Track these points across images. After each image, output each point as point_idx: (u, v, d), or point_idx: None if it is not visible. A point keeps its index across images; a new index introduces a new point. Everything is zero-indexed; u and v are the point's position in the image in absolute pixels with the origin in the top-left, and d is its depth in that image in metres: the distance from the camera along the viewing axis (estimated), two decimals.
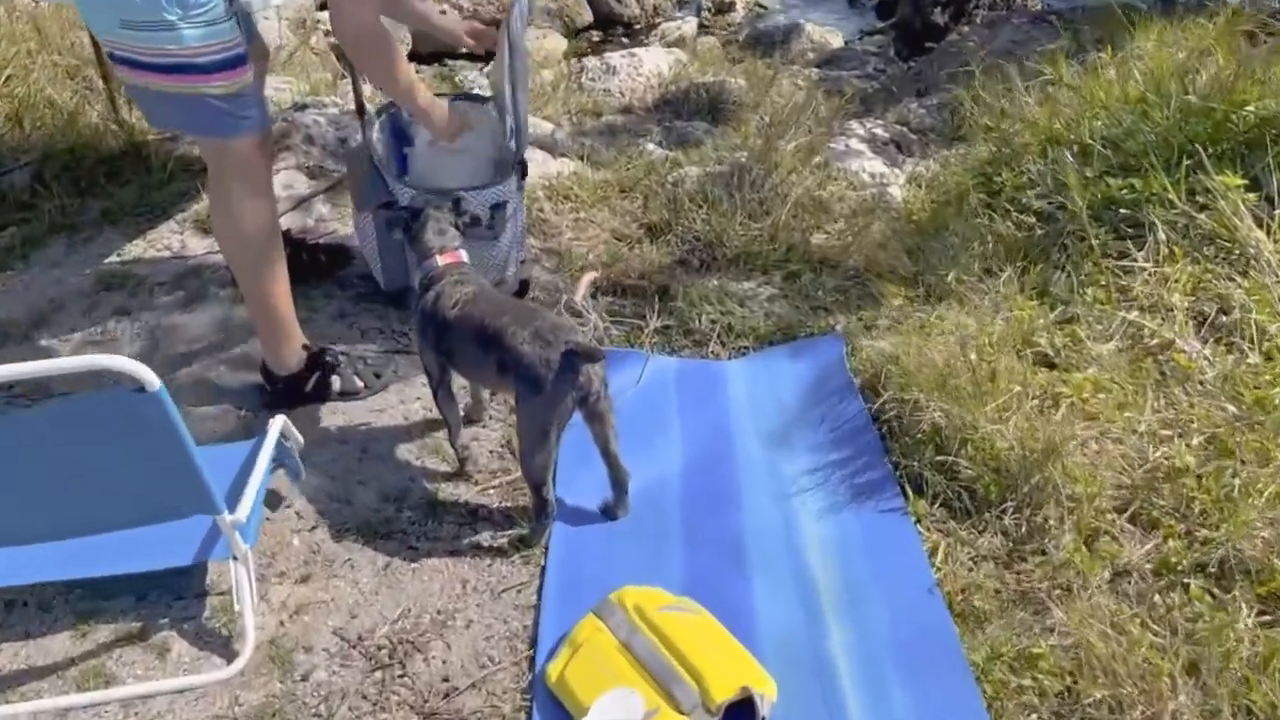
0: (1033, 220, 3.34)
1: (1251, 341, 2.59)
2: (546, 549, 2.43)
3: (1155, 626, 1.96)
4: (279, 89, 4.76)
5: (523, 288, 3.34)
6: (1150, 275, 2.87)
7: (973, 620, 2.06)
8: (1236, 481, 2.19)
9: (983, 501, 2.30)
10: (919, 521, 2.31)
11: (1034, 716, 1.89)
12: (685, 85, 5.02)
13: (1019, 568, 2.15)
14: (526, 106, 3.07)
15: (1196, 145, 3.12)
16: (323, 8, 5.92)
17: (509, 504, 2.59)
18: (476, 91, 4.56)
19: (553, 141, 4.32)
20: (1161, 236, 2.92)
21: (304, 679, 2.14)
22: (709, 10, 8.27)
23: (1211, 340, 2.64)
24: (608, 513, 2.51)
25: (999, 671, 1.92)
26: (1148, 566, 2.09)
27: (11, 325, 3.21)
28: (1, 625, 2.25)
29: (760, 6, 8.30)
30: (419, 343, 2.57)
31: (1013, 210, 3.40)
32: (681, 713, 1.88)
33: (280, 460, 2.42)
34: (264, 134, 2.58)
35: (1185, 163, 3.08)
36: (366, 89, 4.14)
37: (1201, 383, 2.51)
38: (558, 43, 7.35)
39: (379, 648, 2.21)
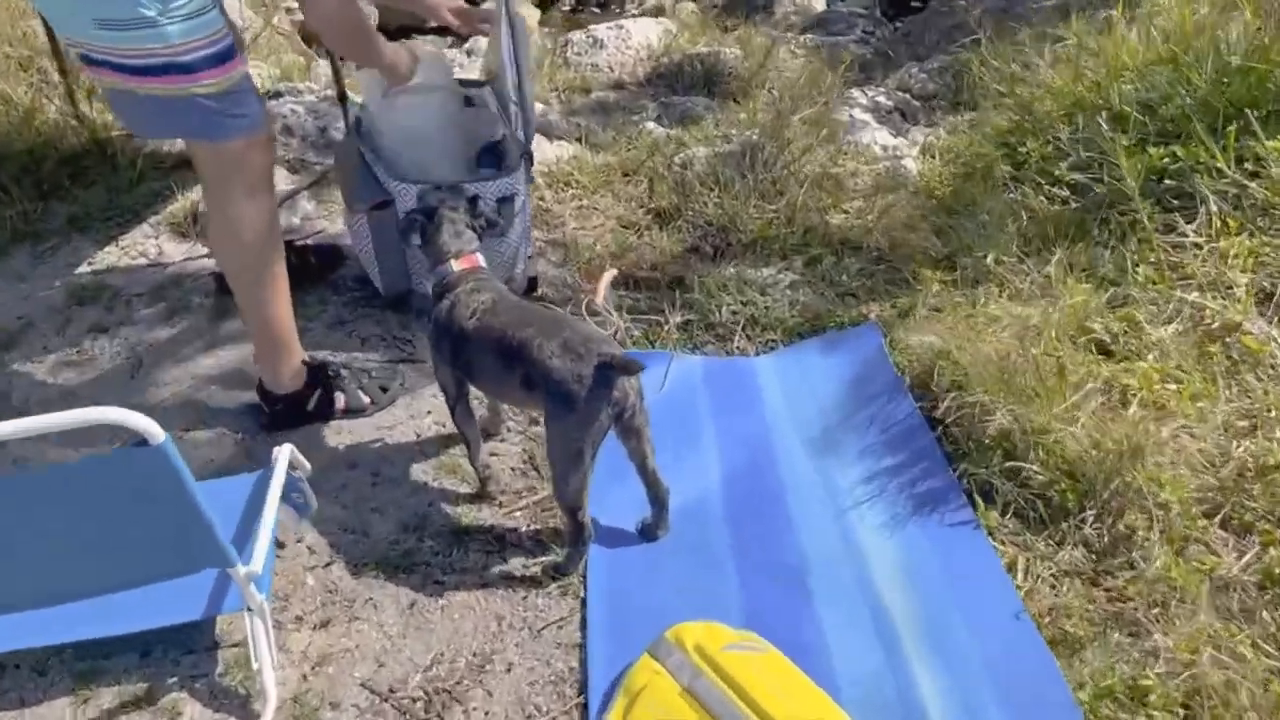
0: (1066, 193, 3.15)
1: None
2: (584, 577, 2.24)
3: (1267, 648, 1.80)
4: None
5: (531, 285, 3.13)
6: (1204, 250, 2.70)
7: (1064, 647, 1.89)
8: None
9: (1058, 510, 2.13)
10: (991, 534, 2.14)
11: None
12: (678, 57, 4.79)
13: (1107, 584, 1.99)
14: (533, 92, 2.85)
15: (1239, 108, 2.94)
16: None
17: (537, 526, 2.40)
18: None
19: (547, 123, 4.08)
20: (1213, 208, 2.74)
21: None
22: None
23: (1278, 320, 2.48)
24: (646, 533, 2.33)
25: (1107, 709, 1.75)
26: (1249, 579, 1.93)
27: None
28: None
29: None
30: (433, 357, 2.36)
31: (1044, 183, 3.21)
32: None
33: (289, 494, 2.21)
34: (262, 132, 2.35)
35: (1229, 128, 2.91)
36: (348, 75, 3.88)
37: (1274, 367, 2.35)
38: (529, 13, 7.08)
39: (413, 700, 2.01)
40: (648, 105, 4.42)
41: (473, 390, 2.39)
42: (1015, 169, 3.39)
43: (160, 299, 3.15)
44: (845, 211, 3.52)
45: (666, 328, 2.99)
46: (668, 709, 1.84)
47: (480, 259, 2.34)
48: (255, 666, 1.98)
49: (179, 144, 3.79)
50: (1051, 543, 2.09)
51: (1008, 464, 2.20)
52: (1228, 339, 2.44)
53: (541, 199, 3.59)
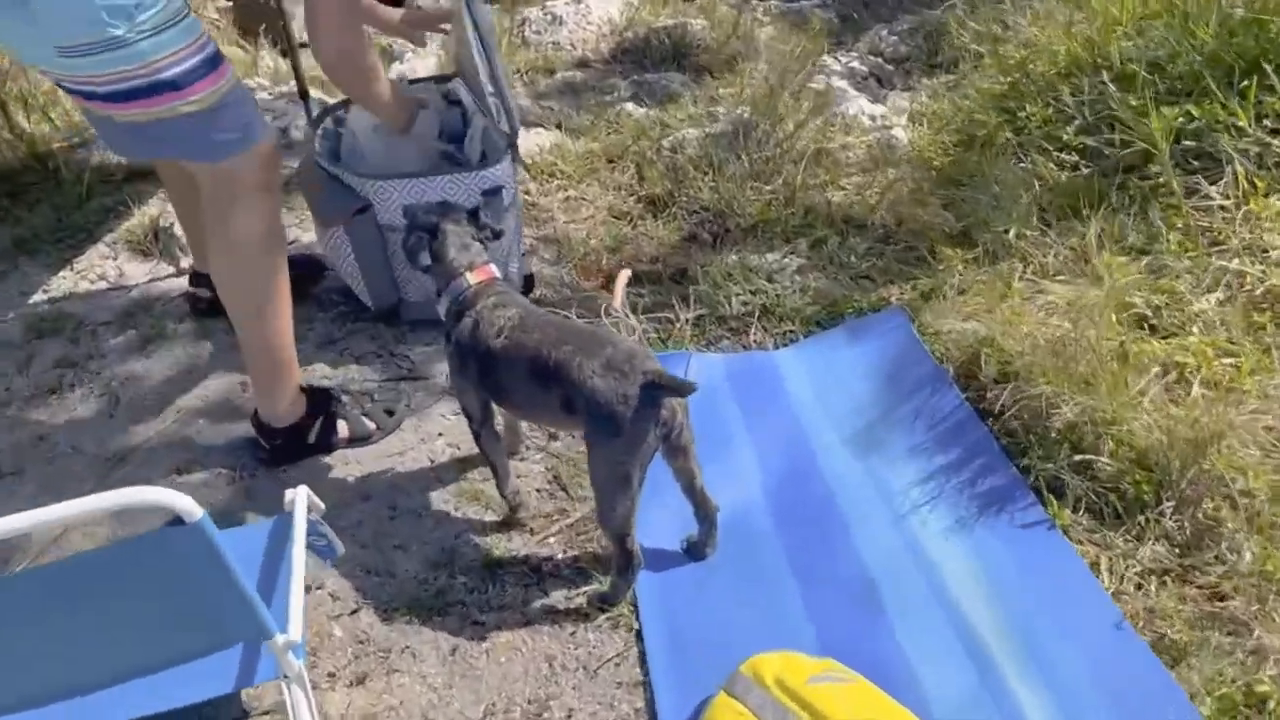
0: (1075, 159, 3.05)
1: None
2: (634, 606, 2.10)
3: None
4: None
5: (528, 284, 2.95)
6: (1234, 214, 2.62)
7: (1166, 655, 1.79)
8: None
9: (1133, 503, 2.03)
10: (1065, 533, 2.03)
11: None
12: (642, 31, 4.61)
13: (1198, 581, 1.89)
14: (505, 77, 2.67)
15: (1252, 63, 2.85)
16: None
17: (574, 552, 2.24)
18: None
19: (518, 109, 3.88)
20: (1239, 169, 2.65)
21: None
22: None
23: None
24: (694, 552, 2.19)
25: None
26: None
27: None
28: None
29: None
30: (456, 381, 2.19)
31: (1052, 149, 3.10)
32: None
33: (310, 540, 2.03)
34: (263, 142, 2.14)
35: (1243, 83, 2.82)
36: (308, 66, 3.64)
37: None
38: None
39: None
40: (619, 84, 4.23)
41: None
42: (1016, 134, 3.28)
43: (129, 326, 2.91)
44: (843, 188, 3.39)
45: (678, 325, 2.84)
46: None
47: (495, 270, 2.16)
48: None
49: None
50: (1130, 538, 2.00)
51: (1077, 457, 2.08)
52: (1276, 307, 2.35)
53: (527, 192, 3.40)
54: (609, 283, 3.04)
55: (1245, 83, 2.82)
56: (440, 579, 2.18)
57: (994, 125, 3.28)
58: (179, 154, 2.13)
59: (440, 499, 2.38)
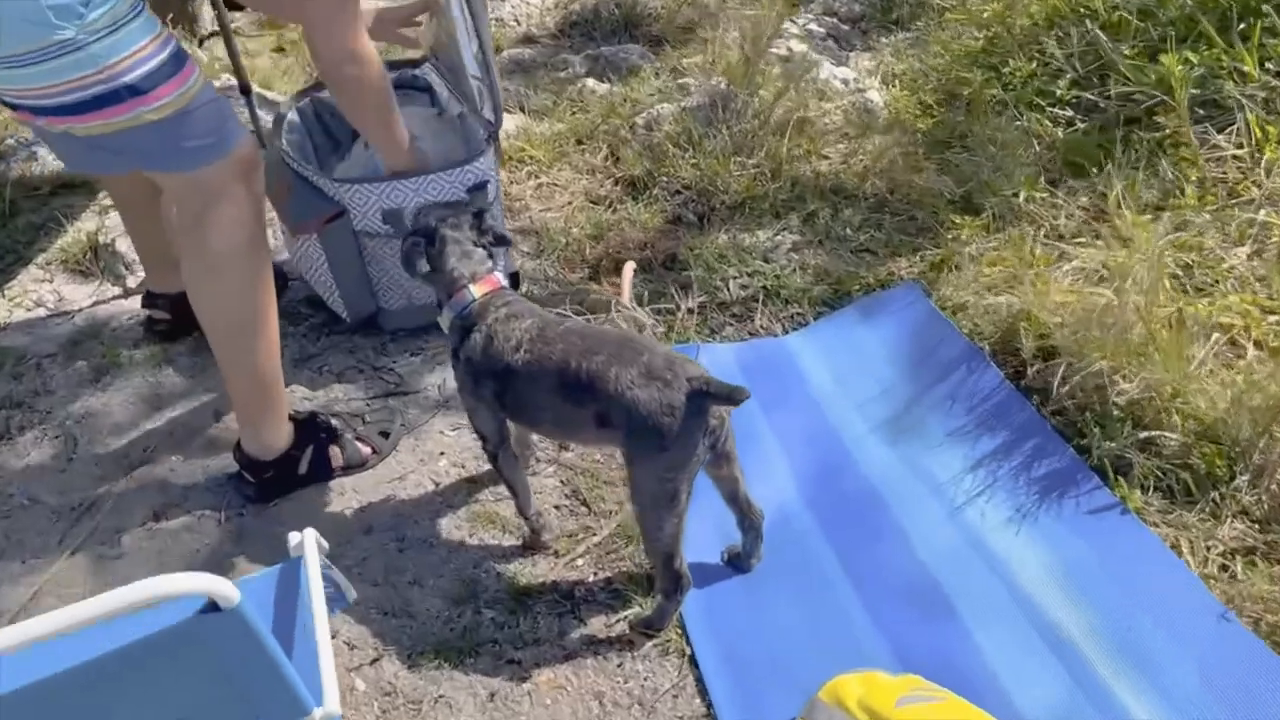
0: (1070, 114, 2.94)
1: None
2: (681, 628, 1.94)
3: None
4: None
5: (513, 281, 2.75)
6: (1248, 163, 2.53)
7: (1269, 641, 1.69)
8: None
9: (1204, 479, 1.92)
10: (1137, 516, 1.92)
11: None
12: (591, 2, 4.39)
13: None
14: (494, 62, 2.46)
15: (1246, 6, 2.77)
16: None
17: (607, 573, 2.08)
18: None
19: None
20: (1249, 116, 2.57)
21: None
22: None
23: None
24: (739, 563, 2.04)
25: None
26: None
27: None
28: None
29: None
30: (468, 401, 1.99)
31: (1044, 104, 2.99)
32: None
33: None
34: (240, 147, 1.92)
35: (1242, 27, 2.73)
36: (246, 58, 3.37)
37: None
38: None
39: None
40: (572, 59, 4.02)
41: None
42: (1003, 91, 3.17)
43: (78, 357, 2.64)
44: (826, 157, 3.24)
45: (679, 314, 2.67)
46: None
47: (500, 278, 1.97)
48: None
49: (55, 162, 3.23)
50: (1206, 516, 1.89)
51: (1142, 435, 1.97)
52: None
53: None
54: (596, 274, 2.86)
55: (1243, 26, 2.73)
56: (465, 615, 2.00)
57: (979, 83, 3.15)
58: (147, 166, 1.90)
59: (452, 525, 2.18)
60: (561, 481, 2.27)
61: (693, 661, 1.89)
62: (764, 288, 2.76)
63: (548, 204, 3.13)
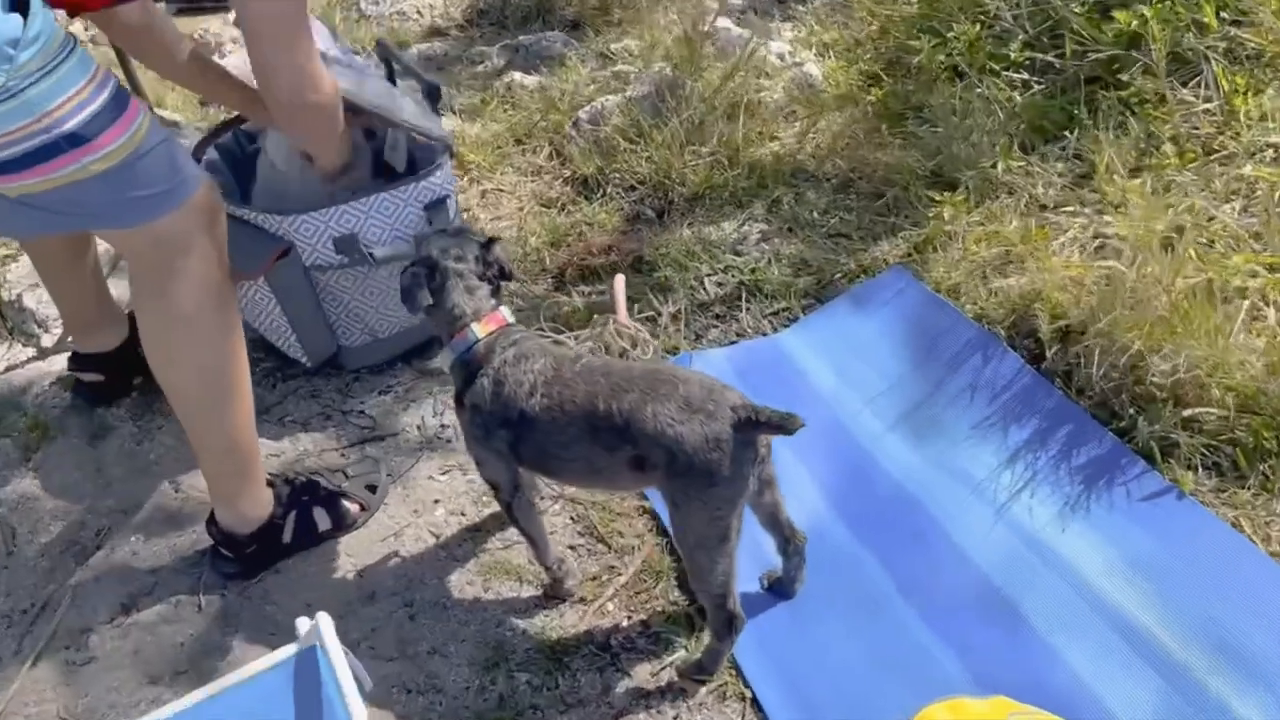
0: (1026, 77, 2.88)
1: None
2: (736, 669, 1.81)
3: None
4: None
5: None
6: (1220, 116, 2.50)
7: None
8: None
9: (1251, 454, 1.87)
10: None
11: None
12: None
13: None
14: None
15: None
16: None
17: (640, 615, 1.93)
18: None
19: None
20: (1215, 68, 2.54)
21: None
22: None
23: None
24: (782, 590, 1.92)
25: None
26: None
27: None
28: None
29: None
30: (476, 451, 1.81)
31: (998, 69, 2.92)
32: None
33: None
34: (200, 193, 1.70)
35: None
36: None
37: None
38: None
39: None
40: (489, 52, 3.80)
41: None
42: (949, 58, 3.09)
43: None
44: (777, 138, 3.12)
45: (661, 320, 2.53)
46: None
47: (506, 314, 1.79)
48: None
49: None
50: (1259, 492, 1.85)
51: (1186, 413, 1.91)
52: None
53: None
54: (562, 284, 2.69)
55: None
56: (498, 682, 1.83)
57: (928, 51, 3.06)
58: (94, 225, 1.65)
59: (463, 581, 2.01)
60: (572, 519, 2.11)
61: (755, 705, 1.76)
62: (742, 283, 2.63)
63: (497, 212, 2.94)
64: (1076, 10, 2.84)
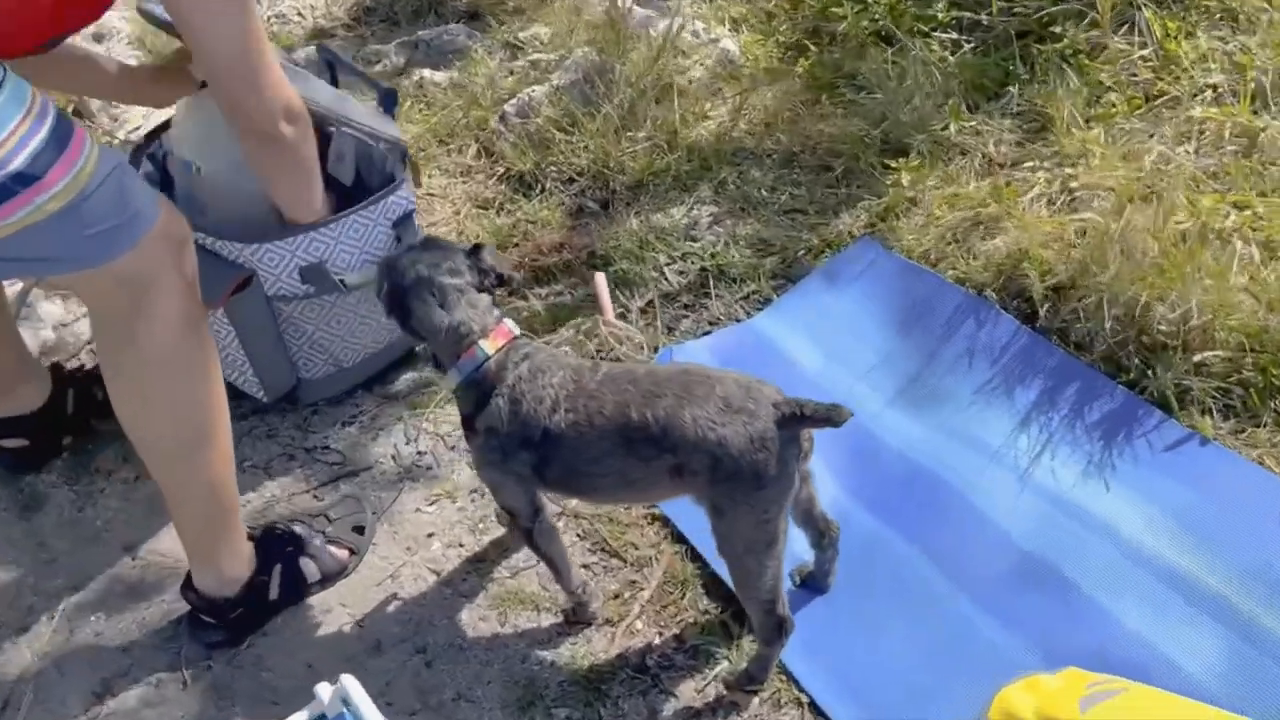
0: (956, 36, 2.86)
1: None
2: (785, 674, 1.73)
3: None
4: None
5: None
6: (1157, 61, 2.53)
7: None
8: None
9: (1263, 393, 1.88)
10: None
11: None
12: None
13: None
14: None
15: None
16: None
17: (672, 630, 1.83)
18: None
19: None
20: (1148, 14, 2.56)
21: None
22: None
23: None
24: (815, 584, 1.85)
25: None
26: None
27: None
28: None
29: None
30: (492, 477, 1.68)
31: (925, 30, 2.90)
32: None
33: None
34: (163, 221, 1.51)
35: None
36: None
37: None
38: None
39: None
40: (385, 50, 3.57)
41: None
42: (874, 23, 3.05)
43: None
44: (709, 118, 3.03)
45: (631, 317, 2.41)
46: None
47: (512, 326, 1.65)
48: None
49: None
50: (1276, 429, 1.85)
51: (1196, 358, 1.90)
52: (1257, 145, 2.28)
53: None
54: (514, 289, 2.54)
55: None
56: None
57: (852, 17, 3.01)
58: (50, 270, 1.46)
59: (476, 618, 1.86)
60: (579, 535, 1.99)
61: (815, 709, 1.68)
62: (704, 269, 2.53)
63: (430, 218, 2.76)
64: None
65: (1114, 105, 2.48)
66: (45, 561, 2.00)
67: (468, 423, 1.63)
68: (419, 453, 2.17)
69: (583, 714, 1.71)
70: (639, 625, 1.84)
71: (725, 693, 1.73)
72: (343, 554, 1.93)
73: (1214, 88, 2.46)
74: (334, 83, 2.21)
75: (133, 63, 2.95)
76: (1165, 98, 2.47)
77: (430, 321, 1.57)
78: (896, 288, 2.31)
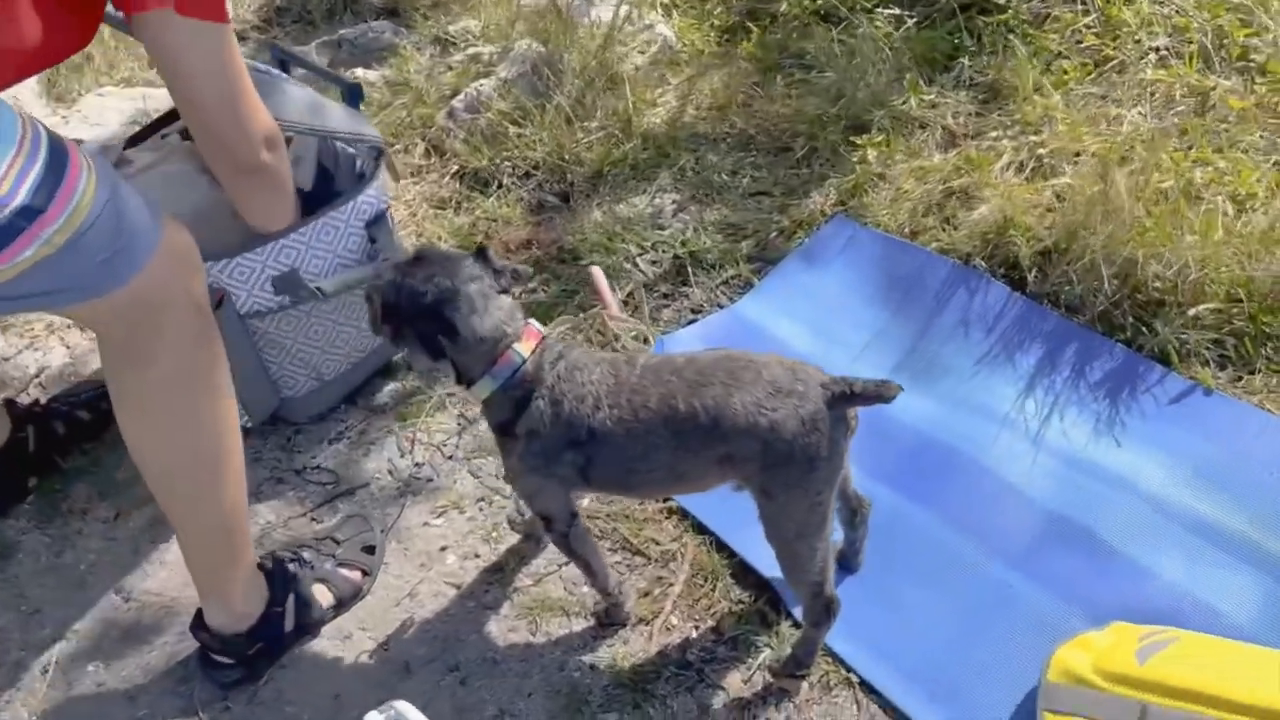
0: (898, 12, 2.90)
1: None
2: (831, 656, 1.71)
3: None
4: None
5: None
6: (1100, 29, 2.60)
7: None
8: None
9: (1255, 340, 1.94)
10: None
11: None
12: None
13: None
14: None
15: None
16: None
17: (709, 623, 1.80)
18: None
19: None
20: None
21: None
22: None
23: (1232, 73, 2.45)
24: (845, 562, 1.84)
25: None
26: None
27: None
28: None
29: None
30: (532, 483, 1.60)
31: (870, 6, 2.92)
32: None
33: None
34: (170, 238, 1.42)
35: None
36: None
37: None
38: None
39: None
40: (306, 50, 3.43)
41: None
42: (813, 2, 3.07)
43: None
44: (656, 105, 3.00)
45: (607, 313, 2.36)
46: None
47: (537, 326, 1.59)
48: None
49: None
50: (1269, 375, 1.92)
51: (1191, 312, 1.96)
52: (1206, 106, 2.37)
53: None
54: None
55: None
56: None
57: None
58: (69, 301, 1.32)
59: (505, 629, 1.80)
60: (598, 535, 1.93)
61: (866, 688, 1.68)
62: (677, 257, 2.51)
63: None
64: None
65: (1066, 72, 2.54)
66: (27, 613, 1.85)
67: (505, 429, 1.56)
68: (416, 465, 2.08)
69: (633, 717, 1.66)
70: (674, 621, 1.80)
71: (772, 680, 1.70)
72: (356, 576, 1.85)
73: (1157, 50, 2.54)
74: None
75: None
76: (1113, 62, 2.54)
77: (469, 334, 1.49)
78: (880, 263, 2.32)
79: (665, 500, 1.97)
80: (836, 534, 1.83)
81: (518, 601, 1.84)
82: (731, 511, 1.84)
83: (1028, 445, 1.93)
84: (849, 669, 1.70)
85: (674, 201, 2.68)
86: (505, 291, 1.59)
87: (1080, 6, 2.65)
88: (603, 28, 3.09)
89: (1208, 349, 1.96)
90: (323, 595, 1.80)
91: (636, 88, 2.94)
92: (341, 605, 1.82)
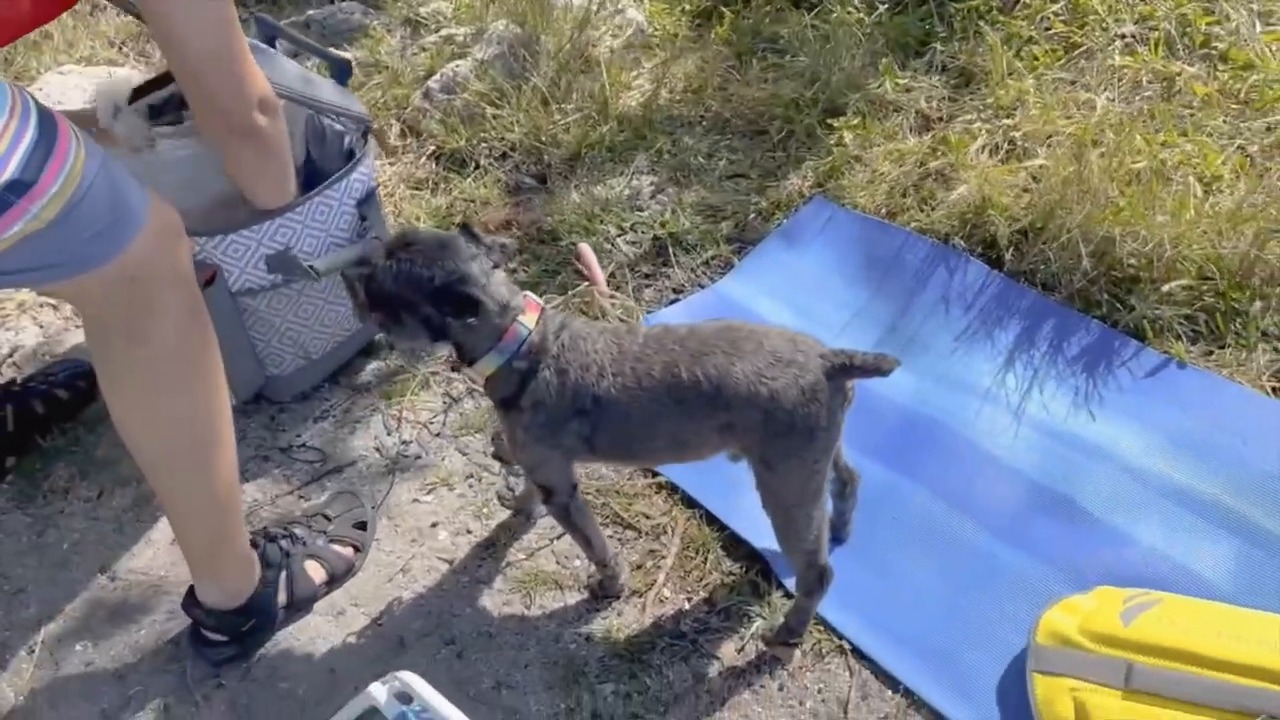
0: None
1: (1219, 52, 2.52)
2: (823, 624, 1.75)
3: None
4: None
5: None
6: (1068, 15, 2.67)
7: None
8: None
9: (1226, 316, 2.01)
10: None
11: None
12: None
13: None
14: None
15: None
16: None
17: (700, 594, 1.82)
18: None
19: None
20: None
21: None
22: None
23: (1196, 60, 2.52)
24: (835, 533, 1.87)
25: None
26: None
27: None
28: None
29: None
30: (538, 454, 1.61)
31: None
32: None
33: None
34: (157, 214, 1.38)
35: None
36: None
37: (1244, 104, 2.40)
38: None
39: None
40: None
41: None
42: None
43: None
44: (630, 88, 3.01)
45: (597, 289, 2.38)
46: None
47: (535, 298, 1.60)
48: None
49: None
50: (1238, 349, 1.99)
51: (1165, 288, 2.02)
52: (1171, 90, 2.44)
53: None
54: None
55: None
56: (585, 699, 1.67)
57: None
58: (59, 276, 1.29)
59: (500, 603, 1.81)
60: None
61: (858, 655, 1.71)
62: (656, 238, 2.52)
63: None
64: None
65: (1037, 58, 2.59)
66: (10, 593, 1.82)
67: (509, 403, 1.57)
68: (403, 442, 2.08)
69: (629, 687, 1.68)
70: (667, 593, 1.82)
71: (766, 649, 1.73)
72: (348, 552, 1.84)
73: (1123, 37, 2.60)
74: None
75: None
76: (1082, 49, 2.60)
77: (494, 309, 1.50)
78: (859, 243, 2.35)
79: (654, 474, 1.99)
80: (826, 505, 1.88)
81: (511, 575, 1.85)
82: (720, 485, 1.88)
83: (1009, 419, 1.98)
84: (841, 637, 1.73)
85: (652, 183, 2.70)
86: (497, 267, 1.60)
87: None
88: (576, 11, 3.09)
89: (1180, 324, 2.03)
90: (315, 571, 1.79)
91: (611, 70, 2.95)
92: (334, 581, 1.82)
